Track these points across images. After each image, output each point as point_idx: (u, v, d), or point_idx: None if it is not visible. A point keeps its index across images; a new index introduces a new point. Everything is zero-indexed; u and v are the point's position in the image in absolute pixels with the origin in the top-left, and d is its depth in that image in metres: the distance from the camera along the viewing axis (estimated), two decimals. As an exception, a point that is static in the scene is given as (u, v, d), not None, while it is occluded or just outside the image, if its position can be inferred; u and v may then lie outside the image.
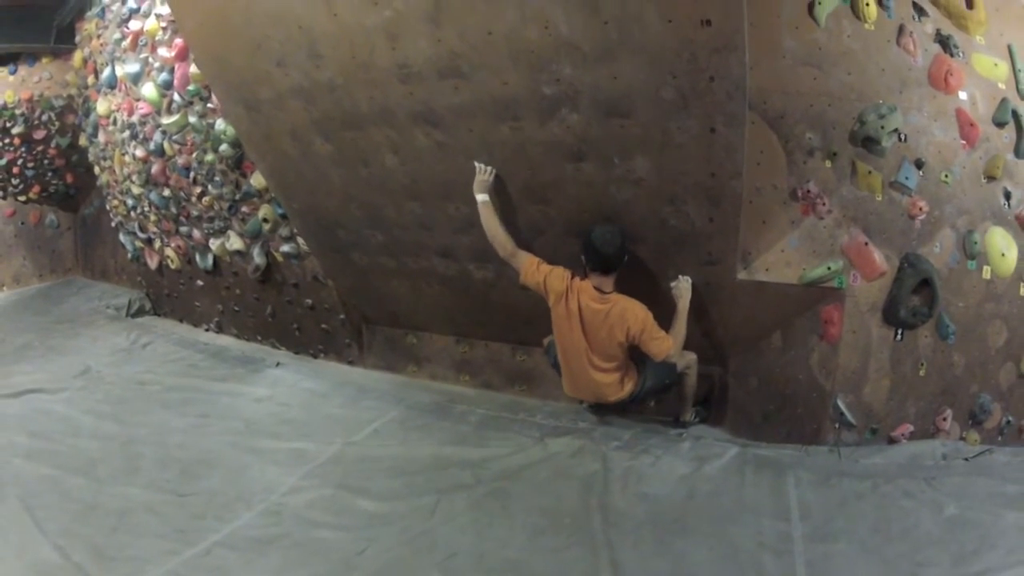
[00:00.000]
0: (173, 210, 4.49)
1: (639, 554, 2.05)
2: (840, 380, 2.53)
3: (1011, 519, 2.01)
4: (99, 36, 4.80)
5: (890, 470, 2.37)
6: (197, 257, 4.59)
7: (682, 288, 2.69)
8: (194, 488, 2.61)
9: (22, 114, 5.63)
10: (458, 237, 3.13)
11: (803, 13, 2.37)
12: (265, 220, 3.95)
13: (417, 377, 3.88)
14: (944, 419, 2.61)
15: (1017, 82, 2.66)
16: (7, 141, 5.73)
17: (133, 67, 4.28)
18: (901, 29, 2.45)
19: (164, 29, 4.01)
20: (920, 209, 2.48)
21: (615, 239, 2.60)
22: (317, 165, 3.24)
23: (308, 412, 3.35)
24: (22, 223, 6.47)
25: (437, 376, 3.83)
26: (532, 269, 2.78)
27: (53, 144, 5.92)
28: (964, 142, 2.54)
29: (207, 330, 4.99)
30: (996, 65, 2.63)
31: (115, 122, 4.67)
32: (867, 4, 2.38)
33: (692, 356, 2.85)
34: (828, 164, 2.47)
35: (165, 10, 3.94)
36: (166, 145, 4.18)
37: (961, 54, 2.55)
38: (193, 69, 3.77)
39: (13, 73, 5.57)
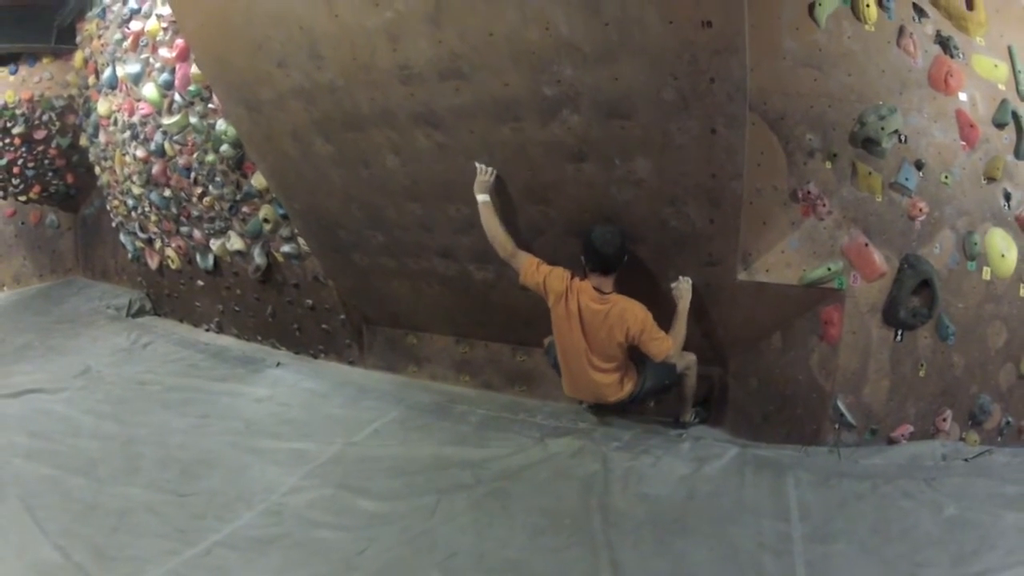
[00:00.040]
0: (174, 210, 4.49)
1: (639, 554, 2.05)
2: (840, 381, 2.53)
3: (1010, 520, 2.01)
4: (100, 36, 4.81)
5: (890, 471, 2.37)
6: (198, 257, 4.59)
7: (682, 289, 2.69)
8: (194, 488, 2.61)
9: (23, 114, 5.63)
10: (458, 238, 3.14)
11: (803, 14, 2.38)
12: (266, 220, 3.96)
13: (417, 377, 3.88)
14: (944, 420, 2.61)
15: (1017, 83, 2.66)
16: (8, 141, 5.73)
17: (134, 67, 4.28)
18: (901, 30, 2.46)
19: (165, 29, 4.02)
20: (920, 210, 2.48)
21: (615, 239, 2.61)
22: (318, 166, 3.25)
23: (308, 412, 3.35)
24: (22, 223, 6.47)
25: (437, 376, 3.83)
26: (532, 269, 2.79)
27: (54, 144, 5.92)
28: (964, 143, 2.54)
29: (207, 330, 4.99)
30: (996, 66, 2.63)
31: (116, 122, 4.67)
32: (867, 5, 2.38)
33: (692, 357, 2.85)
34: (828, 165, 2.48)
35: (166, 10, 3.95)
36: (167, 145, 4.18)
37: (961, 55, 2.55)
38: (194, 69, 3.78)
39: (14, 73, 5.58)
